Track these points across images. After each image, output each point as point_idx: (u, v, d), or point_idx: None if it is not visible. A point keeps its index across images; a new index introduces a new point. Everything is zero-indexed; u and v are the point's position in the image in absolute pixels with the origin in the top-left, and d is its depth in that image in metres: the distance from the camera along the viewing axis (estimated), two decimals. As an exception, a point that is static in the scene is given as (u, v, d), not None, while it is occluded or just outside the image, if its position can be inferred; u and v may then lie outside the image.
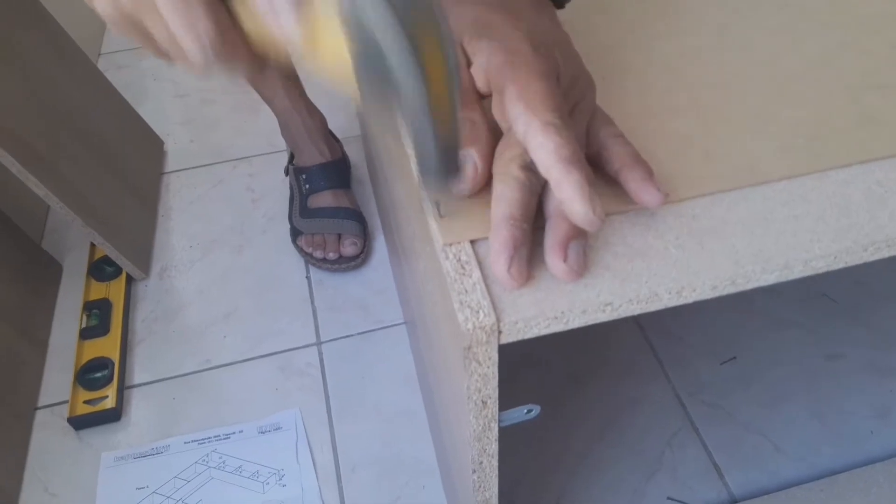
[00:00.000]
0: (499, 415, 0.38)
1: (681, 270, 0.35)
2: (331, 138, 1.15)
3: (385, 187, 0.82)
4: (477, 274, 0.35)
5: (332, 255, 1.04)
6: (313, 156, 1.10)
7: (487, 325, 0.32)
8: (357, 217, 1.08)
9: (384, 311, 1.02)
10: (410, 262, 0.61)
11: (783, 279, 0.36)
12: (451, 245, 0.36)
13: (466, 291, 0.34)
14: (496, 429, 0.39)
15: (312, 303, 1.04)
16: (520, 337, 0.33)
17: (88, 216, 0.99)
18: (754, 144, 0.41)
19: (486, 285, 0.34)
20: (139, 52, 1.50)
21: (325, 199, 1.08)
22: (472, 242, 0.36)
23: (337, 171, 1.11)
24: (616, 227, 0.37)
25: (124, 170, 1.14)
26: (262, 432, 0.89)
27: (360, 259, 1.06)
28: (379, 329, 1.00)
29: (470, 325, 0.32)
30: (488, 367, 0.34)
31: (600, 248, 0.36)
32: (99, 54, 1.52)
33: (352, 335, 0.99)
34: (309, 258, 1.07)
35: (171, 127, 1.32)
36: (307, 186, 1.10)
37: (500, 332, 0.33)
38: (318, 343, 0.99)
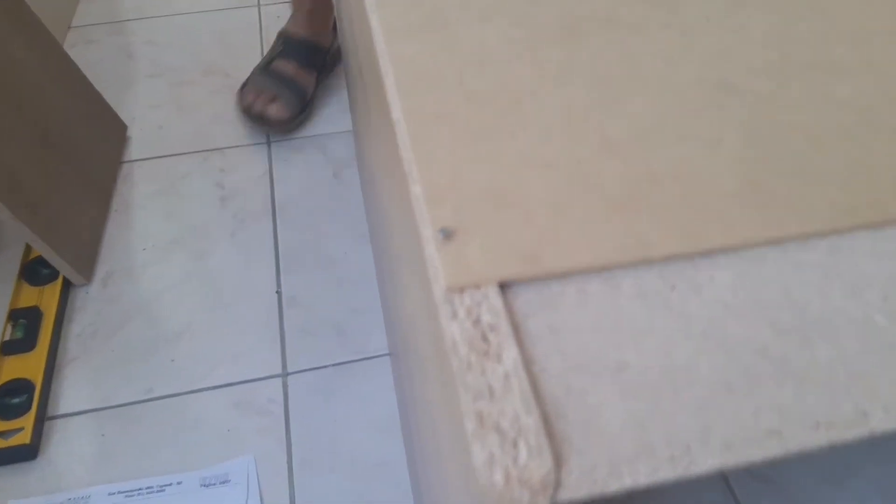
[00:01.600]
0: None
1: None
2: (331, 28, 1.13)
3: (375, 201, 0.66)
4: (513, 354, 0.18)
5: (257, 107, 1.04)
6: (304, 27, 1.09)
7: (536, 478, 0.16)
8: (300, 94, 1.07)
9: (365, 338, 0.85)
10: (396, 283, 0.44)
11: None
12: (461, 291, 0.19)
13: (491, 394, 0.17)
14: None
15: (281, 323, 0.87)
16: (595, 491, 0.17)
17: (20, 206, 0.82)
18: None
19: (530, 378, 0.17)
20: (113, 26, 1.34)
21: (286, 67, 1.08)
22: (503, 288, 0.20)
23: (313, 53, 1.10)
24: (769, 267, 0.20)
25: (75, 155, 0.98)
26: (206, 485, 0.72)
27: (280, 126, 1.06)
28: (357, 360, 0.83)
29: (499, 477, 0.15)
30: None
31: (713, 304, 0.19)
32: (69, 27, 1.35)
33: (325, 366, 0.82)
34: (240, 106, 1.08)
35: (139, 110, 1.16)
36: (280, 49, 1.09)
37: (557, 486, 0.16)
38: (284, 374, 0.82)
